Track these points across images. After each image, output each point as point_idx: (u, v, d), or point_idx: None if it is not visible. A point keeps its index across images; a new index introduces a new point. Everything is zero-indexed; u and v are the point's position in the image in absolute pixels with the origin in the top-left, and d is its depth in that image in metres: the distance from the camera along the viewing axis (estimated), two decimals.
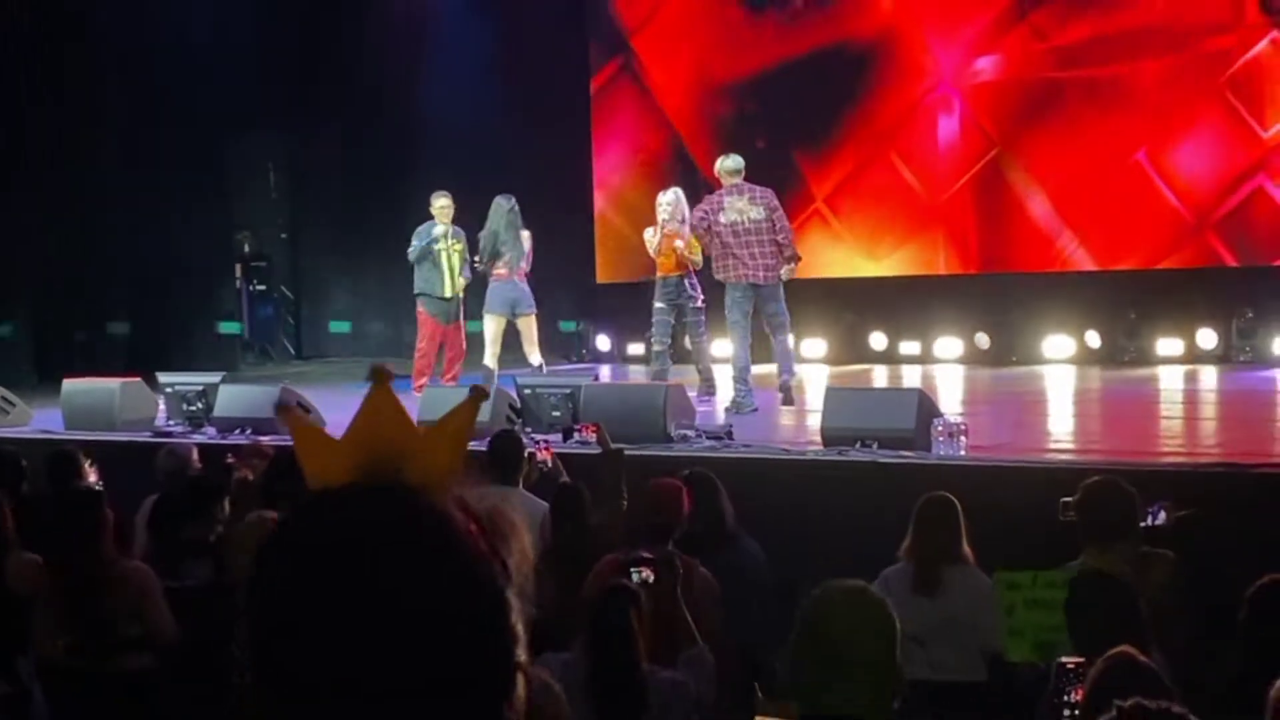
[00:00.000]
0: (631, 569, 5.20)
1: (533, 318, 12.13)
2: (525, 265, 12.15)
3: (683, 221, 11.54)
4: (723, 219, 11.10)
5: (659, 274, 11.71)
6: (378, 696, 1.18)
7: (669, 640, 5.10)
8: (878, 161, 15.12)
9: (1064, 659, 3.83)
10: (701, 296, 11.67)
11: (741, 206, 11.10)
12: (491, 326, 12.08)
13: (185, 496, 6.70)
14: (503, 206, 12.13)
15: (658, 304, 11.70)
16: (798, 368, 12.18)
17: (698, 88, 16.14)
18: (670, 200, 11.64)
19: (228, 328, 17.26)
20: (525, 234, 12.14)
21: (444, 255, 12.46)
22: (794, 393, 11.35)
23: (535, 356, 12.14)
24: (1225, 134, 13.62)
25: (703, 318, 11.74)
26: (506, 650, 1.25)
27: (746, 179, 11.27)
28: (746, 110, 15.68)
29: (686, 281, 11.64)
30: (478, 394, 1.35)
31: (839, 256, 15.35)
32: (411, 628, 1.20)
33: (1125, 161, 13.89)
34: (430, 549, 1.23)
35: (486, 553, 1.25)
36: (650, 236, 11.68)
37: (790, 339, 11.64)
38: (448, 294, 12.51)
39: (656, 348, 11.72)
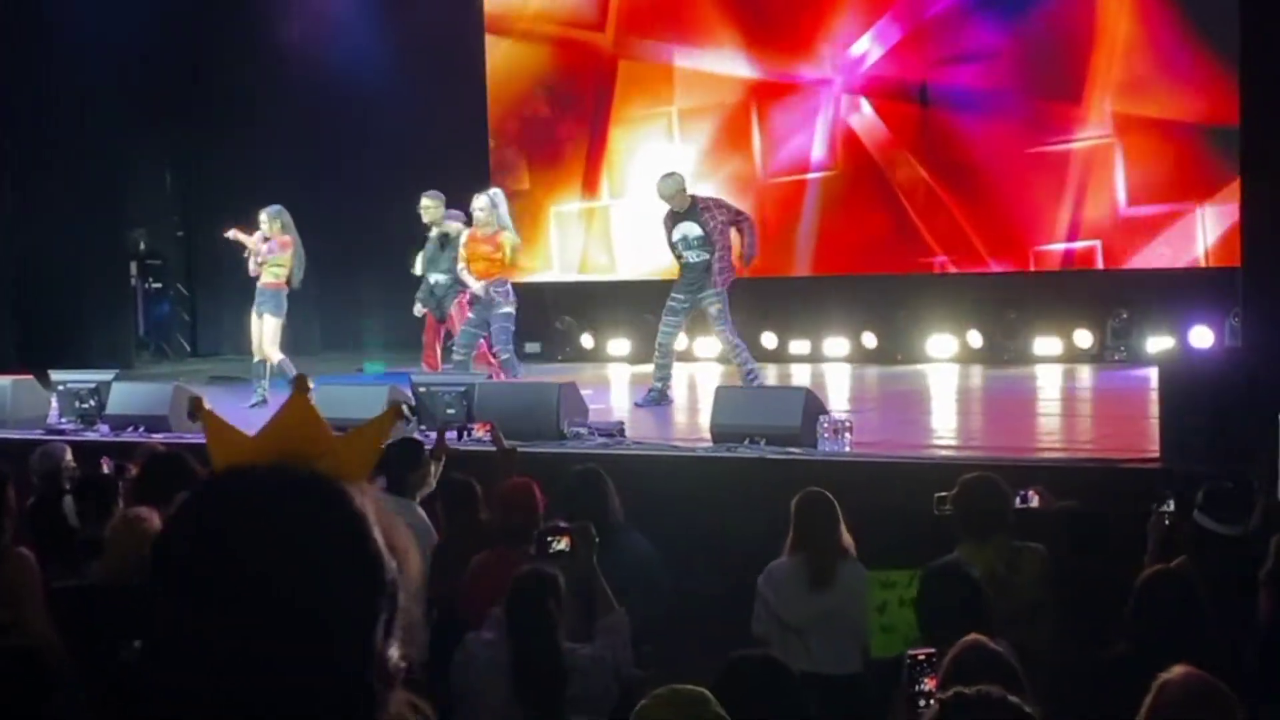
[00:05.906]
0: (548, 538, 5.37)
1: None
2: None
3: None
4: None
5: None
6: (258, 663, 1.21)
7: (587, 607, 5.28)
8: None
9: (912, 651, 3.97)
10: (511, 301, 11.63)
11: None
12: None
13: (78, 495, 6.60)
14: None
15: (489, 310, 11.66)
16: (689, 366, 12.32)
17: None
18: (485, 204, 11.70)
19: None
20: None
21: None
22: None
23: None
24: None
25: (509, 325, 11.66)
26: (370, 645, 1.27)
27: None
28: None
29: (493, 288, 11.59)
30: (397, 408, 1.45)
31: None
32: (307, 598, 1.21)
33: (1011, 161, 14.24)
34: (333, 522, 1.24)
35: (383, 546, 1.27)
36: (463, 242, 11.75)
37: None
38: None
39: (503, 356, 11.59)
